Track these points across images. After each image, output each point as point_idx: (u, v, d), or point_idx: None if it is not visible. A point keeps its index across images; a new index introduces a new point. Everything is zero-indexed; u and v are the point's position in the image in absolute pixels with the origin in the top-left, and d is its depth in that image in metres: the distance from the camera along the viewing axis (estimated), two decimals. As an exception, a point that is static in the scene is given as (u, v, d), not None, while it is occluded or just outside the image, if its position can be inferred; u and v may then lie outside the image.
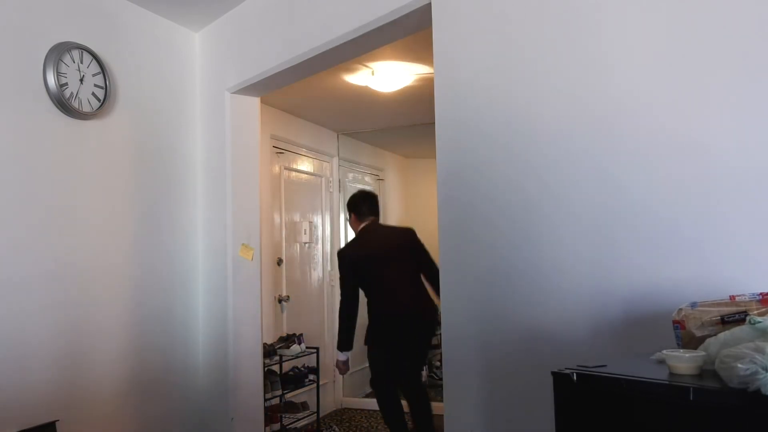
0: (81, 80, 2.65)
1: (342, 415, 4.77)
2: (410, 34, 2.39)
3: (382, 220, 3.80)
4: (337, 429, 4.23)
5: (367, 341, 3.47)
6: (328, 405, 4.80)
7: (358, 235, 3.59)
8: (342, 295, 3.52)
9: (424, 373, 5.63)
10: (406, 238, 3.56)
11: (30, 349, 2.41)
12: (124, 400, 2.81)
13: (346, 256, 3.53)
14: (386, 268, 3.45)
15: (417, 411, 3.46)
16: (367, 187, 5.30)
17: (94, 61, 2.71)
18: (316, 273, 5.00)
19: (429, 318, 3.45)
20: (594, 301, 1.62)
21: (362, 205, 3.60)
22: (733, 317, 1.09)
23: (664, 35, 1.52)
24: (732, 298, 1.13)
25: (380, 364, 3.45)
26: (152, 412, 2.94)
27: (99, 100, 2.73)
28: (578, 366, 1.06)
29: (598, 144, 1.63)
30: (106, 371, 2.73)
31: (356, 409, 4.91)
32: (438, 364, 5.70)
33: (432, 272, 3.42)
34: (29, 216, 2.45)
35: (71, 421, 2.51)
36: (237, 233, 3.15)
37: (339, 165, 5.30)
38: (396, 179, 6.32)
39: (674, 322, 1.17)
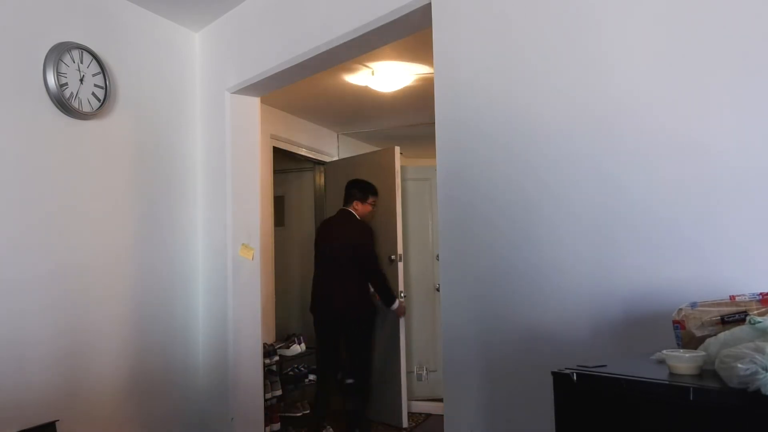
0: (81, 80, 2.65)
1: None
2: (410, 34, 2.39)
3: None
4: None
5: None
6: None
7: (330, 217, 4.13)
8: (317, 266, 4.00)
9: (423, 373, 5.63)
10: (359, 235, 3.88)
11: (30, 349, 2.41)
12: (124, 400, 2.81)
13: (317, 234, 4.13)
14: (326, 258, 3.91)
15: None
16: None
17: (94, 61, 2.71)
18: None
19: (347, 319, 3.84)
20: (594, 301, 1.62)
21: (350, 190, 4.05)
22: (733, 317, 1.09)
23: (664, 35, 1.52)
24: (732, 298, 1.13)
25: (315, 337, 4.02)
26: (152, 412, 2.94)
27: (99, 100, 2.73)
28: (578, 366, 1.06)
29: (598, 144, 1.63)
30: (106, 371, 2.73)
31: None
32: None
33: (367, 275, 3.89)
34: (29, 216, 2.45)
35: (71, 421, 2.51)
36: (237, 233, 3.15)
37: (339, 165, 5.30)
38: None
39: (674, 322, 1.17)
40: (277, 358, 3.73)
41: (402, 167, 4.46)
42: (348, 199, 3.97)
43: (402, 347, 4.18)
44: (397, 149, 4.34)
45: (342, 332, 3.88)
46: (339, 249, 3.82)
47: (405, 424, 4.14)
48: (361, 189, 3.98)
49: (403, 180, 4.51)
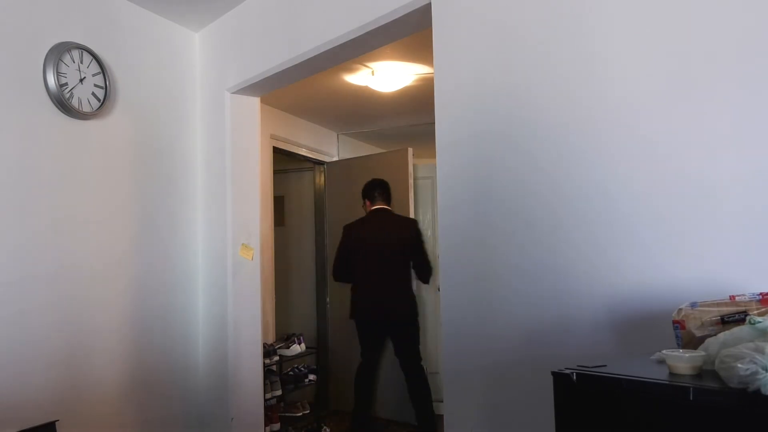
0: (81, 80, 2.65)
1: (342, 415, 4.77)
2: (410, 34, 2.39)
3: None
4: (328, 430, 4.22)
5: (351, 315, 3.90)
6: (328, 405, 4.80)
7: (366, 216, 3.91)
8: (334, 261, 3.96)
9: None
10: (407, 231, 3.81)
11: (30, 349, 2.41)
12: (123, 400, 2.81)
13: (346, 230, 3.92)
14: (376, 257, 3.75)
15: (410, 385, 3.79)
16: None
17: (94, 61, 2.71)
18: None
19: (396, 319, 3.77)
20: (594, 301, 1.62)
21: (374, 191, 3.91)
22: (733, 317, 1.09)
23: (663, 34, 1.52)
24: (732, 298, 1.13)
25: (360, 338, 3.91)
26: (152, 412, 2.94)
27: (99, 100, 2.73)
28: (578, 366, 1.06)
29: (599, 144, 1.63)
30: (106, 371, 2.73)
31: (356, 409, 4.90)
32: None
33: (420, 269, 3.84)
34: (29, 216, 2.45)
35: (71, 421, 2.51)
36: (237, 233, 3.15)
37: (339, 165, 5.30)
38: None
39: (674, 322, 1.17)
40: (277, 358, 3.73)
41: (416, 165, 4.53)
42: (386, 198, 3.93)
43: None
44: (410, 150, 4.36)
45: (399, 331, 3.80)
46: (395, 247, 3.74)
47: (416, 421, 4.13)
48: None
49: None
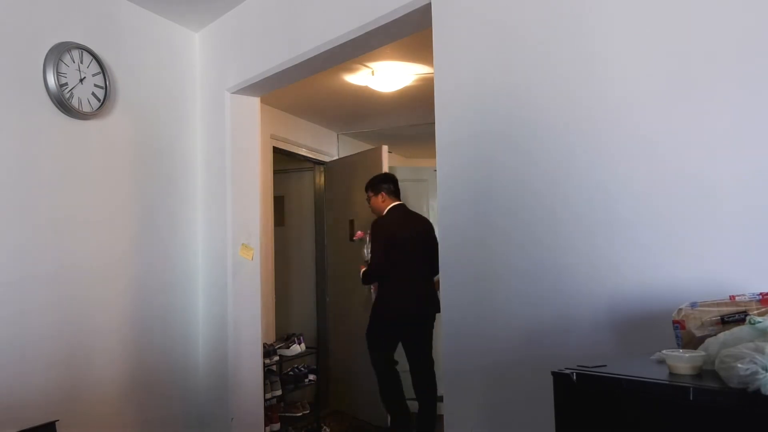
0: (81, 80, 2.65)
1: (342, 415, 4.77)
2: (410, 34, 2.39)
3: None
4: (328, 430, 4.22)
5: (372, 314, 3.76)
6: (328, 405, 4.80)
7: (392, 212, 3.77)
8: (372, 260, 3.75)
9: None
10: (429, 230, 3.77)
11: (30, 349, 2.41)
12: (123, 400, 2.81)
13: (382, 227, 3.72)
14: (408, 256, 3.68)
15: (418, 386, 3.69)
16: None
17: (94, 61, 2.71)
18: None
19: (427, 319, 3.68)
20: (594, 301, 1.62)
21: (389, 184, 3.81)
22: (733, 317, 1.09)
23: (663, 34, 1.52)
24: (732, 298, 1.13)
25: (374, 337, 3.73)
26: (152, 412, 2.94)
27: (99, 100, 2.73)
28: (578, 366, 1.06)
29: (599, 145, 1.63)
30: (106, 371, 2.73)
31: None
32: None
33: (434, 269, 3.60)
34: (29, 216, 2.45)
35: (71, 421, 2.51)
36: (237, 233, 3.15)
37: (339, 165, 5.30)
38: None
39: (674, 322, 1.17)
40: (277, 358, 3.73)
41: (396, 167, 4.46)
42: (398, 192, 3.84)
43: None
44: (385, 148, 4.33)
45: (424, 330, 3.69)
46: (421, 244, 3.66)
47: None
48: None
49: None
